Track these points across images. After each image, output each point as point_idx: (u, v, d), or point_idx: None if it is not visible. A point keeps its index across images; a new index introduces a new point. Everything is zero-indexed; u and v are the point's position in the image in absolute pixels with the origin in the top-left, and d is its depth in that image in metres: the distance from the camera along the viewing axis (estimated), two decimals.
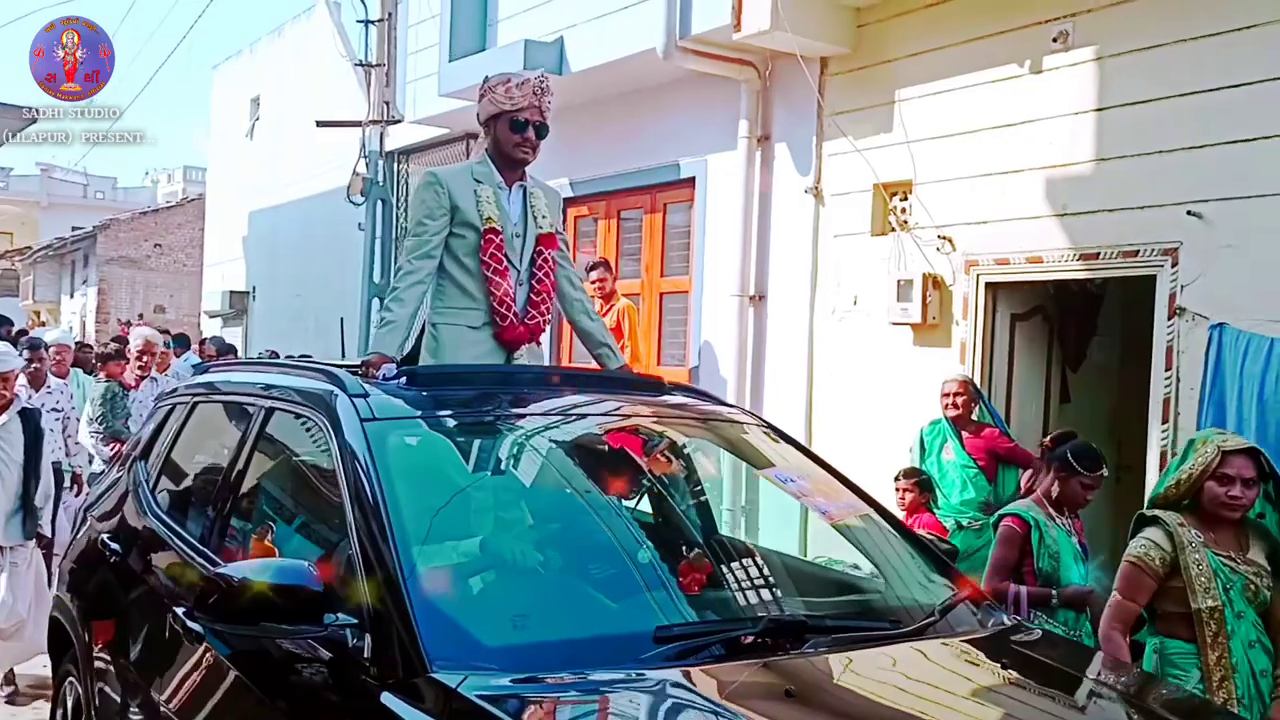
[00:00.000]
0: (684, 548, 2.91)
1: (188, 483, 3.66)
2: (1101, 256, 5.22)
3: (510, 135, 3.49)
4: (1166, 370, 4.97)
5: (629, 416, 3.15)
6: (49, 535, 5.73)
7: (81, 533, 4.20)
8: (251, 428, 3.14)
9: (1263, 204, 4.66)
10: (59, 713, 3.97)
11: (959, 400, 5.49)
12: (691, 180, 7.35)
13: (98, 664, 3.52)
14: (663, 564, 2.75)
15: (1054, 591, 3.92)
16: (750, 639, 2.30)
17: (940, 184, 5.91)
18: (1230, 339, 4.71)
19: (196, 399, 3.84)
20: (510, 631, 2.35)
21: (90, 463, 6.90)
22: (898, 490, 5.26)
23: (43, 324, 24.62)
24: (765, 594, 2.72)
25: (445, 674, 2.08)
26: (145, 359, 7.13)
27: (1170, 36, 4.97)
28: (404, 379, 2.95)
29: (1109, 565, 4.03)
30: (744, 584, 2.72)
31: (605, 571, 2.64)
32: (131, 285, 27.04)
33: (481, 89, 3.56)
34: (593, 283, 6.84)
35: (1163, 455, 4.96)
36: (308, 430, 2.89)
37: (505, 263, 3.48)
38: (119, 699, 3.27)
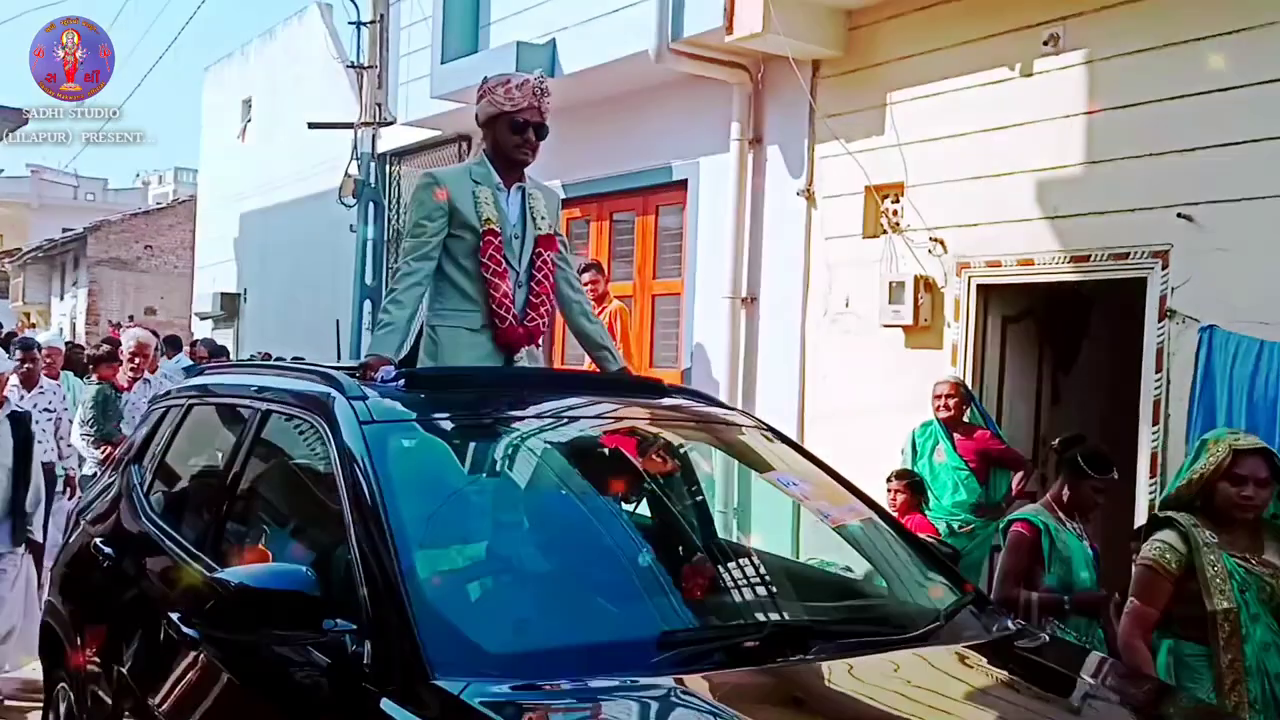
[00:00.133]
0: (686, 552, 2.90)
1: (182, 486, 3.64)
2: (1092, 259, 5.24)
3: (509, 136, 3.46)
4: (1157, 372, 4.99)
5: (630, 420, 3.13)
6: (40, 540, 5.69)
7: (74, 537, 4.16)
8: (248, 431, 3.11)
9: (1253, 207, 4.68)
10: (50, 719, 3.93)
11: (950, 402, 5.51)
12: (684, 182, 7.35)
13: (90, 670, 3.47)
14: (665, 569, 2.72)
15: (1066, 597, 3.85)
16: (754, 645, 2.29)
17: (932, 186, 5.92)
18: (1220, 341, 4.74)
19: (191, 402, 3.80)
20: (513, 638, 2.33)
21: (81, 465, 6.87)
22: (889, 492, 5.26)
23: (32, 326, 24.45)
24: (768, 599, 2.70)
25: (447, 681, 2.05)
26: (138, 361, 7.08)
27: (1160, 40, 4.99)
28: (403, 381, 2.93)
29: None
30: (747, 589, 2.70)
31: (608, 577, 2.61)
32: (122, 287, 26.88)
33: (480, 90, 3.53)
34: (585, 284, 6.83)
35: (1153, 457, 4.98)
36: (305, 433, 2.86)
37: (504, 264, 3.44)
38: (112, 706, 3.23)
